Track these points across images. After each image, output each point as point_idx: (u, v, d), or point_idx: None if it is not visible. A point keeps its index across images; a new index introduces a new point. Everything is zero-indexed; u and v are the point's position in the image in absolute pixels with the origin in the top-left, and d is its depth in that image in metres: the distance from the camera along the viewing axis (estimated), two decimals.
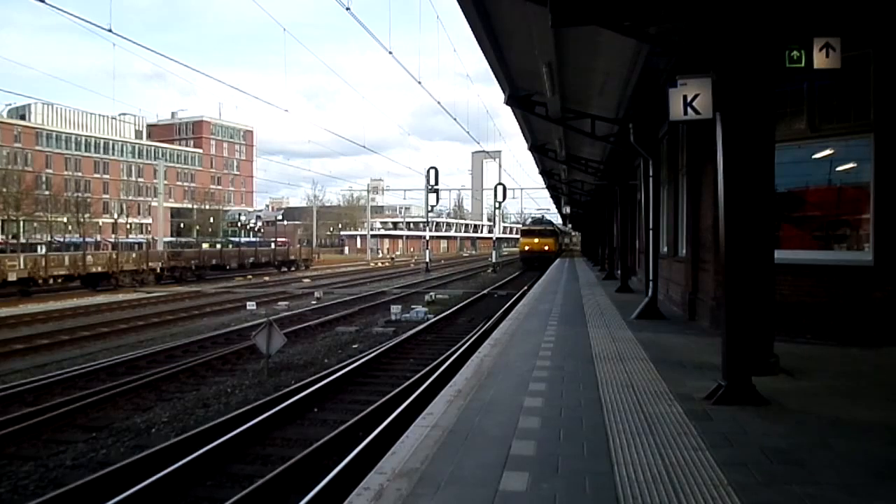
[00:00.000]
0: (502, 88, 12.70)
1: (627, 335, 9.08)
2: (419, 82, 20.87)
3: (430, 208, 46.28)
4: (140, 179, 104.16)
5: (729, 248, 5.47)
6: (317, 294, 25.55)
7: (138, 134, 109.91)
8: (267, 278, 39.47)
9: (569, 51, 9.68)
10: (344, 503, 3.47)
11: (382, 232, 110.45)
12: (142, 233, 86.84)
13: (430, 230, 57.53)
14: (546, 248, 47.29)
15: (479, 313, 18.72)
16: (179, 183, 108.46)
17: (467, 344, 12.42)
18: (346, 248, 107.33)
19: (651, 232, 11.80)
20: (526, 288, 22.83)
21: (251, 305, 21.28)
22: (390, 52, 17.75)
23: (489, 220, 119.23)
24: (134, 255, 36.00)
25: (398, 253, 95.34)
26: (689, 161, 11.35)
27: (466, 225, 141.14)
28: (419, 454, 4.09)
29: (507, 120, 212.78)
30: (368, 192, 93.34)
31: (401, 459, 4.01)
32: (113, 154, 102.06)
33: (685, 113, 5.59)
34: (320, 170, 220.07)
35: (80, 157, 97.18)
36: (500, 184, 49.37)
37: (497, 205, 56.64)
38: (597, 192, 27.41)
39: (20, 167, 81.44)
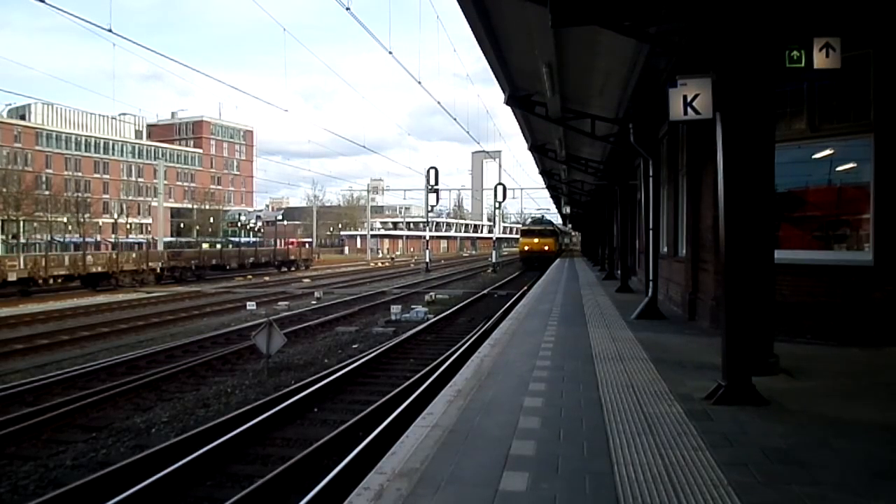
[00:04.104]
0: (502, 88, 12.70)
1: (627, 335, 9.08)
2: (419, 82, 20.88)
3: (430, 208, 46.27)
4: (140, 179, 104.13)
5: (729, 248, 5.47)
6: (317, 294, 25.55)
7: (138, 134, 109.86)
8: (267, 278, 39.48)
9: (569, 51, 9.68)
10: (344, 503, 3.48)
11: (382, 232, 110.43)
12: (142, 233, 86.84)
13: (430, 230, 57.51)
14: (546, 248, 47.30)
15: (479, 313, 18.72)
16: (179, 183, 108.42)
17: (467, 344, 12.42)
18: (346, 248, 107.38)
19: (651, 232, 11.81)
20: (526, 288, 22.82)
21: (251, 305, 21.28)
22: (390, 52, 17.76)
23: (489, 220, 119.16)
24: (134, 255, 36.00)
25: (398, 253, 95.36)
26: (689, 161, 11.35)
27: (466, 225, 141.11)
28: (419, 454, 4.09)
29: (506, 120, 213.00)
30: (368, 192, 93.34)
31: (401, 459, 4.00)
32: (113, 154, 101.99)
33: (685, 113, 5.59)
34: (319, 170, 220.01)
35: (80, 157, 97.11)
36: (500, 184, 49.29)
37: (497, 205, 56.59)
38: (597, 192, 27.41)
39: (20, 167, 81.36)
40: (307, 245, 66.03)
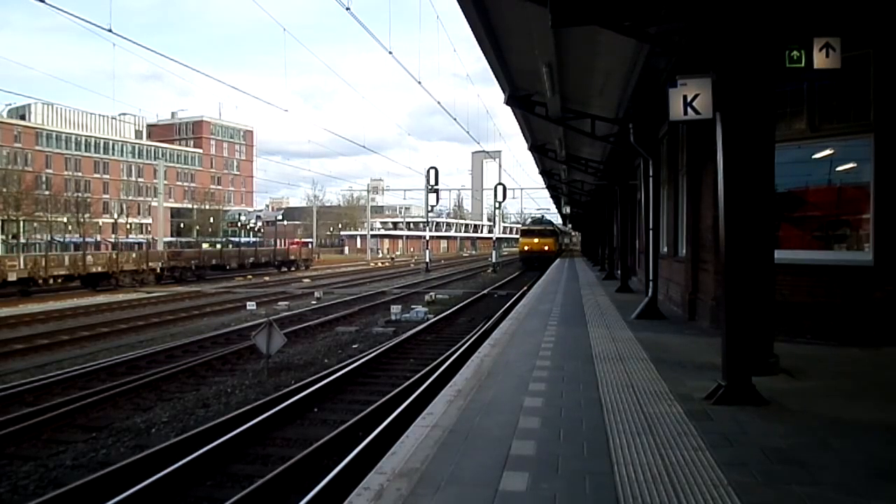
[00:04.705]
0: (502, 88, 12.70)
1: (627, 335, 9.08)
2: (419, 82, 20.87)
3: (430, 208, 46.27)
4: (140, 179, 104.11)
5: (729, 248, 5.47)
6: (317, 294, 25.55)
7: (138, 134, 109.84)
8: (267, 278, 39.48)
9: (569, 51, 9.68)
10: (344, 503, 3.48)
11: (382, 232, 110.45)
12: (142, 233, 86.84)
13: (430, 230, 57.51)
14: (546, 248, 47.27)
15: (479, 313, 18.72)
16: (179, 183, 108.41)
17: (467, 344, 12.41)
18: (346, 248, 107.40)
19: (651, 232, 11.80)
20: (526, 288, 22.82)
21: (251, 305, 21.28)
22: (390, 52, 17.76)
23: (489, 220, 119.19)
24: (134, 255, 36.00)
25: (398, 253, 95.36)
26: (689, 161, 11.35)
27: (466, 225, 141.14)
28: (419, 454, 4.09)
29: (506, 120, 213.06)
30: (368, 192, 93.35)
31: (401, 459, 4.00)
32: (113, 154, 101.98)
33: (685, 113, 5.59)
34: (319, 170, 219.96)
35: (80, 157, 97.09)
36: (500, 184, 49.29)
37: (497, 205, 56.58)
38: (597, 192, 27.41)
39: (20, 167, 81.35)
40: (308, 245, 66.47)
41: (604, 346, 8.19)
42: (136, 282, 32.19)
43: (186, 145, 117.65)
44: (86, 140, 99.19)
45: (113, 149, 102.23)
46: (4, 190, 70.52)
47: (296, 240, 76.84)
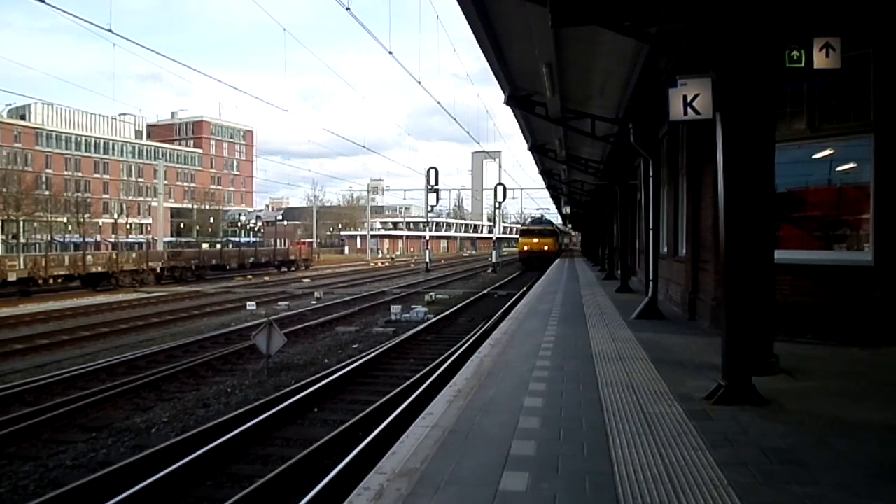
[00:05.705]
0: (502, 88, 12.70)
1: (627, 335, 9.08)
2: (419, 82, 20.88)
3: (430, 208, 46.28)
4: (140, 179, 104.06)
5: (729, 248, 5.47)
6: (317, 294, 25.55)
7: (138, 134, 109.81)
8: (267, 278, 39.48)
9: (569, 51, 9.68)
10: (344, 503, 3.48)
11: (382, 232, 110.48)
12: (142, 233, 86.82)
13: (430, 230, 57.54)
14: (546, 248, 47.22)
15: (479, 313, 18.72)
16: (179, 183, 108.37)
17: (467, 344, 12.41)
18: (346, 248, 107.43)
19: (651, 232, 11.80)
20: (526, 288, 22.82)
21: (251, 305, 21.28)
22: (390, 53, 17.77)
23: (489, 220, 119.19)
24: (134, 255, 36.00)
25: (398, 253, 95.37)
26: (689, 161, 11.35)
27: (466, 225, 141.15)
28: (419, 454, 4.09)
29: (506, 120, 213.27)
30: (368, 192, 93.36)
31: (401, 459, 4.01)
32: (113, 154, 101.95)
33: (685, 113, 5.59)
34: (319, 170, 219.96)
35: (80, 157, 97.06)
36: (500, 184, 49.30)
37: (497, 205, 56.57)
38: (597, 192, 27.41)
39: (20, 167, 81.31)
40: (310, 245, 66.75)
41: (604, 346, 8.19)
42: (135, 282, 32.18)
43: (186, 145, 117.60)
44: (86, 140, 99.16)
45: (113, 149, 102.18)
46: (4, 190, 70.47)
47: (300, 240, 77.08)
